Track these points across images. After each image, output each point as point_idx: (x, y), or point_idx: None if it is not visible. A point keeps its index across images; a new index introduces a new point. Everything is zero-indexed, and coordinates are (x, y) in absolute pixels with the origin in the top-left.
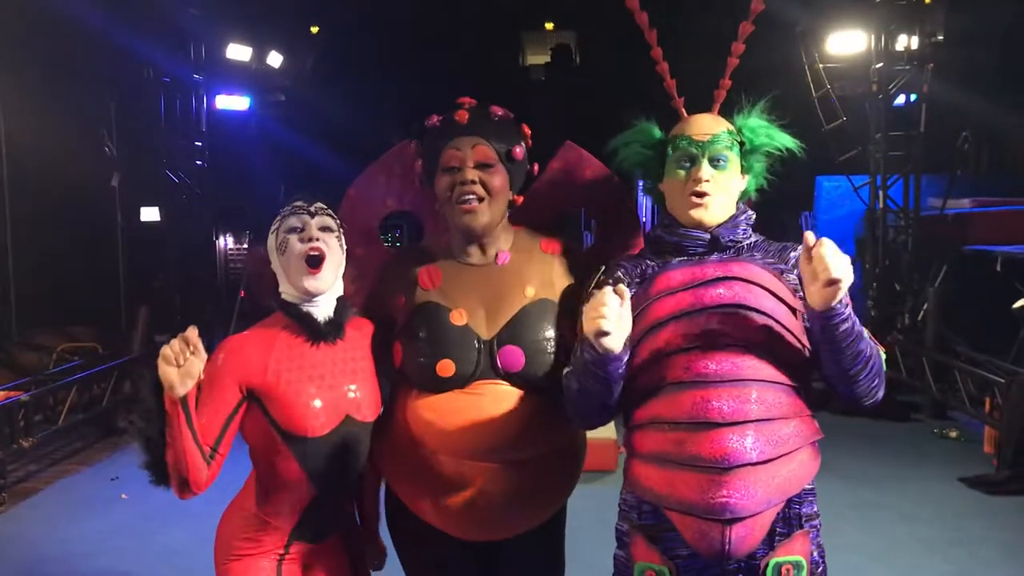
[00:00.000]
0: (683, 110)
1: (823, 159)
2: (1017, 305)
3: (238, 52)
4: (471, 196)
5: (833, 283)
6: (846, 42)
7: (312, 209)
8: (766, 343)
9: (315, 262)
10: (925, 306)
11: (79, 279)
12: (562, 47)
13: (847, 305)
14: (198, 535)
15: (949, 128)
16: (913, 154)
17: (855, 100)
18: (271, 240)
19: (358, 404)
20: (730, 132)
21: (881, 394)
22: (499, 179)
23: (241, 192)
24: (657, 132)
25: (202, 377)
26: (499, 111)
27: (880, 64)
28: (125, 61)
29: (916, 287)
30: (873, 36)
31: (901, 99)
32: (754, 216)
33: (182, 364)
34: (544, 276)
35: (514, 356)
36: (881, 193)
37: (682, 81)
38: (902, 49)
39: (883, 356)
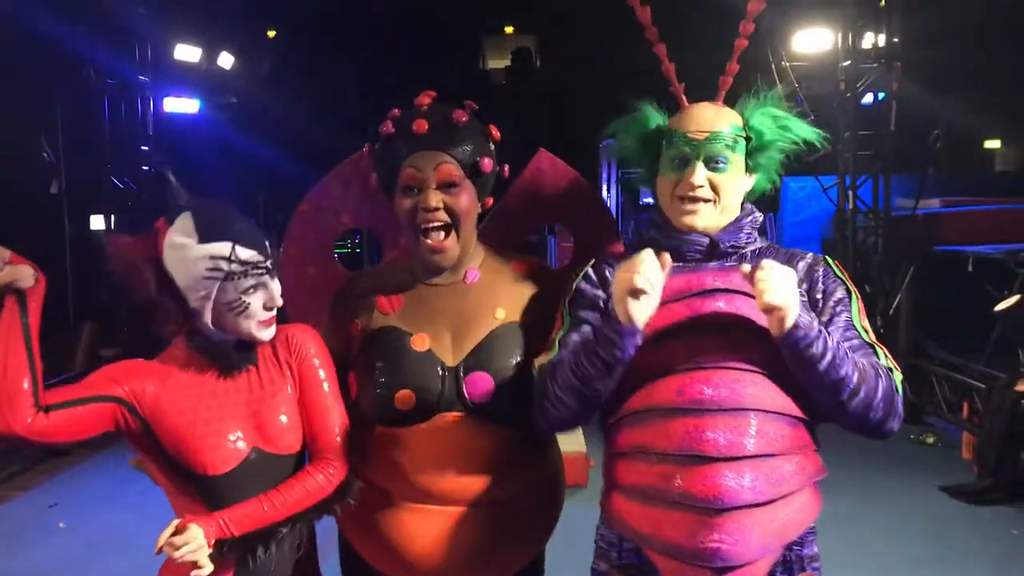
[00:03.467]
0: (683, 98)
1: (789, 159)
2: (1000, 307)
3: (187, 53)
4: (435, 225)
5: (769, 310)
6: (812, 40)
7: (270, 264)
8: (769, 367)
9: (269, 323)
10: (895, 307)
11: None
12: (522, 51)
13: (812, 328)
14: (140, 565)
15: (917, 127)
16: (883, 153)
17: (823, 99)
18: (213, 289)
19: (270, 435)
20: (735, 128)
21: (893, 426)
22: (466, 198)
23: (192, 197)
24: (655, 119)
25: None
26: (463, 116)
27: (847, 62)
28: (67, 62)
29: (887, 289)
30: (840, 34)
31: (869, 98)
32: (760, 218)
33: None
34: (516, 298)
35: (482, 383)
36: (851, 193)
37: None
38: (869, 47)
39: (897, 378)
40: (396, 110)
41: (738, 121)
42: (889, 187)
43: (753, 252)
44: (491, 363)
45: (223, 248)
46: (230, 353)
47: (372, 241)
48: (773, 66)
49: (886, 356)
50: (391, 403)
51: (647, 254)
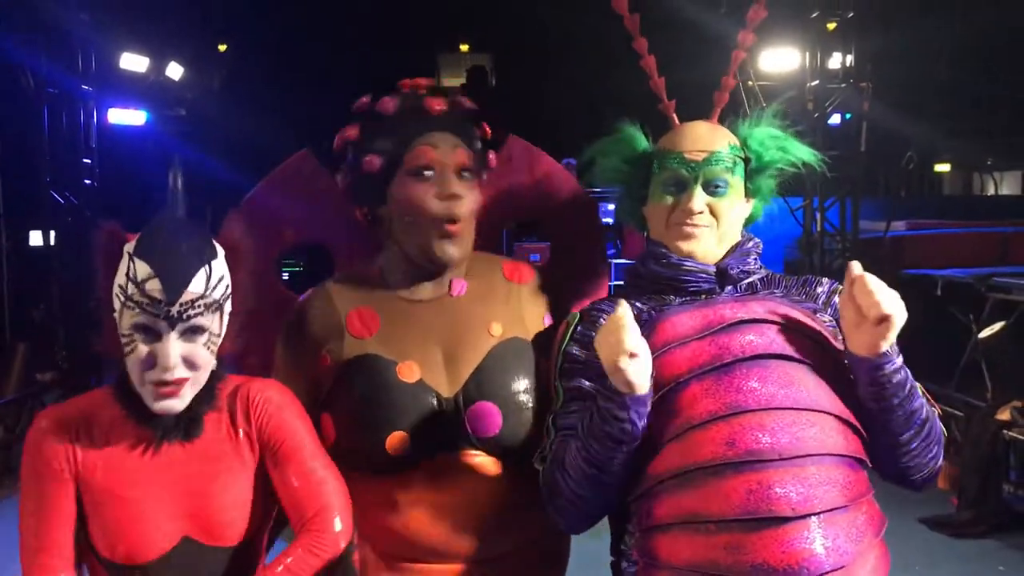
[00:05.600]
0: (674, 116)
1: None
2: (984, 334)
3: (133, 62)
4: (457, 216)
5: (883, 320)
6: (779, 60)
7: (176, 311)
8: (823, 405)
9: (170, 394)
10: None
11: None
12: (477, 68)
13: (899, 353)
14: None
15: (884, 149)
16: (850, 175)
17: (790, 119)
18: (119, 279)
19: (206, 523)
20: (733, 147)
21: (938, 466)
22: (476, 193)
23: (138, 213)
24: (643, 142)
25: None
26: (469, 102)
27: (815, 82)
28: (4, 70)
29: None
30: (807, 53)
31: (836, 118)
32: (762, 245)
33: None
34: (512, 309)
35: (488, 416)
36: (819, 215)
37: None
38: (836, 67)
39: (938, 417)
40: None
41: (735, 141)
42: (858, 209)
43: (762, 280)
44: (495, 390)
45: (137, 267)
46: (167, 420)
47: (320, 260)
48: (740, 85)
49: (923, 392)
50: (380, 449)
51: (623, 310)
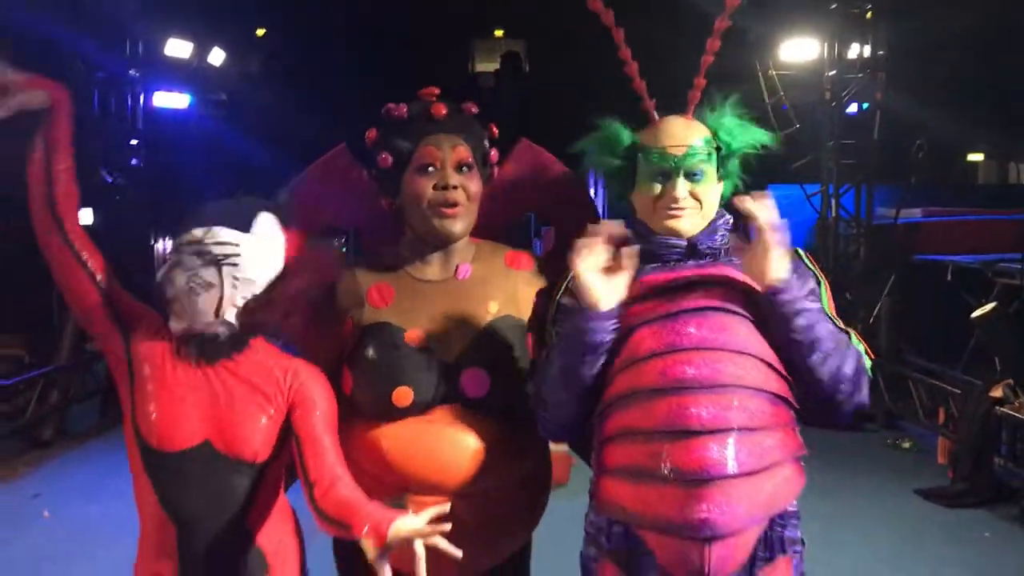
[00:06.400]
0: (654, 114)
1: (775, 167)
2: (976, 314)
3: (178, 48)
4: (451, 202)
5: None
6: (799, 50)
7: (211, 250)
8: (747, 348)
9: (198, 308)
10: (875, 315)
11: (8, 285)
12: (511, 54)
13: (793, 289)
14: (125, 557)
15: (900, 137)
16: (865, 163)
17: (807, 108)
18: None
19: (228, 435)
20: (706, 140)
21: (860, 398)
22: (476, 184)
23: (180, 193)
24: (626, 136)
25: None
26: (473, 108)
27: (833, 72)
28: (56, 55)
29: (867, 296)
30: (826, 44)
31: (853, 108)
32: (732, 220)
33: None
34: (508, 291)
35: (478, 380)
36: (833, 202)
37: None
38: (855, 57)
39: (866, 362)
40: (400, 104)
41: (707, 133)
42: (872, 196)
43: (726, 250)
44: (487, 359)
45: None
46: (203, 340)
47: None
48: (760, 75)
49: (859, 341)
50: (388, 400)
51: (604, 228)
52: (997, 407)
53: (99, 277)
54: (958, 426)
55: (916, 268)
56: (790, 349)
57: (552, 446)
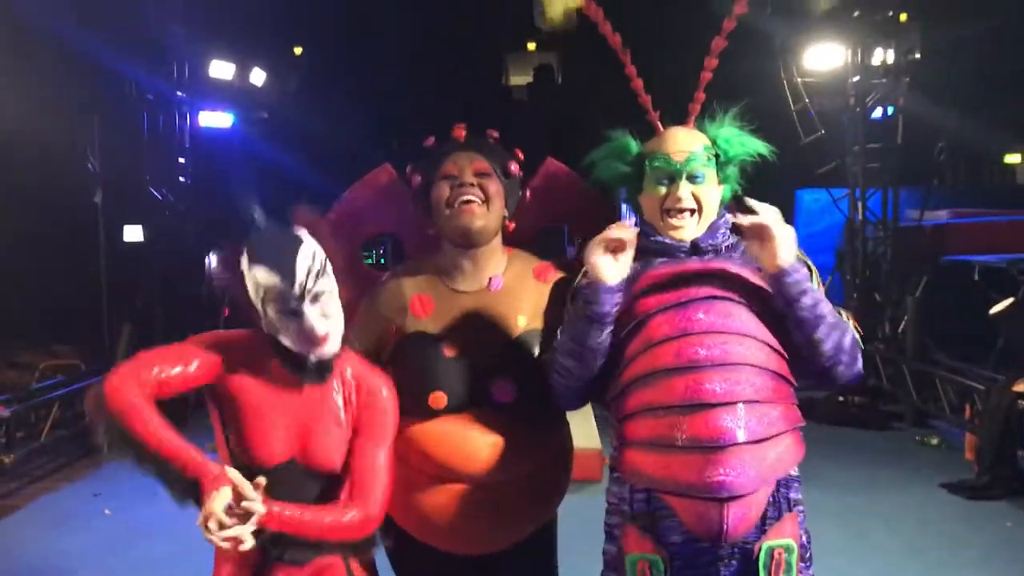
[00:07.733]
0: (659, 124)
1: (802, 173)
2: (994, 310)
3: (221, 69)
4: (469, 197)
5: (762, 231)
6: (824, 56)
7: (306, 290)
8: (751, 331)
9: (319, 341)
10: (905, 316)
11: (62, 298)
12: (544, 67)
13: (799, 272)
14: (181, 548)
15: (926, 141)
16: (891, 166)
17: (833, 113)
18: (249, 285)
19: (311, 451)
20: (706, 147)
21: (857, 368)
22: (495, 186)
23: (225, 208)
24: (634, 146)
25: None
26: (494, 134)
27: (857, 78)
28: (108, 78)
29: (896, 297)
30: (850, 51)
31: (878, 112)
32: (732, 220)
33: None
34: (537, 305)
35: (506, 388)
36: (860, 205)
37: (666, 81)
38: (879, 63)
39: (857, 334)
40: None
41: (707, 141)
42: (898, 199)
43: (727, 247)
44: (515, 370)
45: (257, 273)
46: (308, 364)
47: (396, 254)
48: (785, 81)
49: (849, 319)
50: (424, 402)
51: (623, 228)
52: (1020, 401)
53: (189, 370)
54: (981, 420)
55: (943, 269)
56: (798, 326)
57: (583, 443)
